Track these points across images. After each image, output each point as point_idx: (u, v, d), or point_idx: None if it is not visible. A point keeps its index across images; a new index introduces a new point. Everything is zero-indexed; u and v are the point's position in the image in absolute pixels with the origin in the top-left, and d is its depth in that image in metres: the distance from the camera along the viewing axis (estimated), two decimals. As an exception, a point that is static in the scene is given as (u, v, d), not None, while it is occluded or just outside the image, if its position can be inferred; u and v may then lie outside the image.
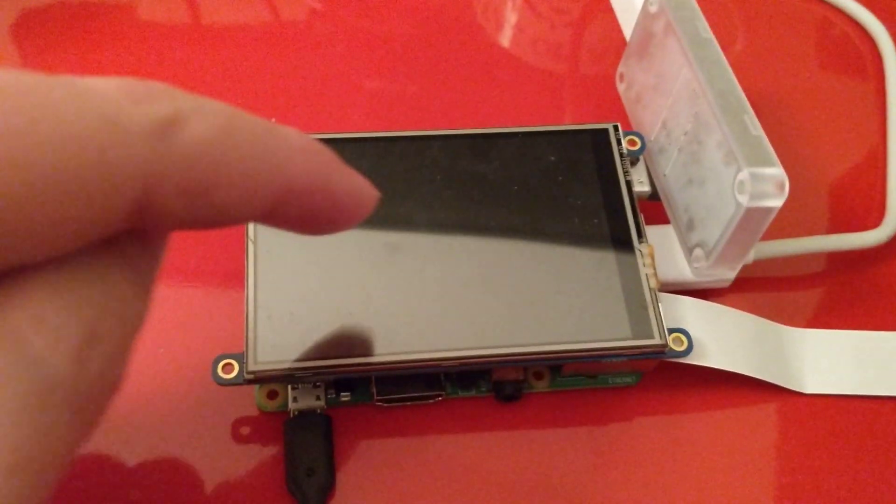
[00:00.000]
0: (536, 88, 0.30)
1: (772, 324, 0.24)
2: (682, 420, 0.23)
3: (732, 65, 0.23)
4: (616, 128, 0.24)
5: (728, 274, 0.24)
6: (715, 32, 0.23)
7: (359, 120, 0.28)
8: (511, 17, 0.32)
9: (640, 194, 0.25)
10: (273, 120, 0.27)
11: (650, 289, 0.22)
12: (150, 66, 0.29)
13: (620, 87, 0.27)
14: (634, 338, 0.21)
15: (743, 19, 0.32)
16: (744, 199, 0.20)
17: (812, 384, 0.24)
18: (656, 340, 0.21)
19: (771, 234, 0.26)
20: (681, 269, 0.24)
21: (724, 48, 0.23)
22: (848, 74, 0.31)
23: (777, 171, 0.20)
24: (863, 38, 0.32)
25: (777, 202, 0.20)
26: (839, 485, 0.23)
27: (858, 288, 0.26)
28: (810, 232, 0.27)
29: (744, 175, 0.20)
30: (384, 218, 0.22)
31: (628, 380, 0.23)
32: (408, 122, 0.28)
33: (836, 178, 0.28)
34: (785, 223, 0.27)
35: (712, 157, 0.22)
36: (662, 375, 0.24)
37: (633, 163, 0.25)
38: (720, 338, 0.23)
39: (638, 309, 0.21)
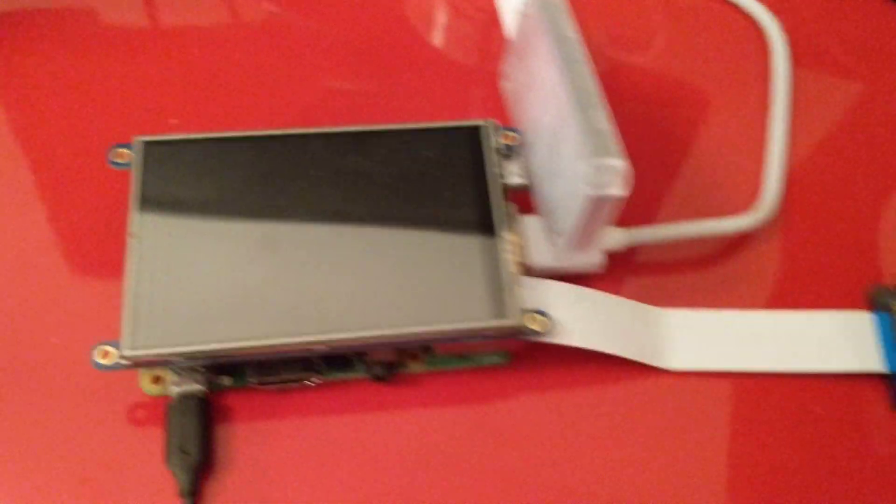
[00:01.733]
0: (453, 85, 0.31)
1: (639, 305, 0.26)
2: (551, 398, 0.25)
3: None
4: (491, 124, 0.26)
5: (592, 259, 0.25)
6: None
7: (315, 116, 0.29)
8: (440, 17, 0.33)
9: (517, 186, 0.26)
10: (175, 121, 0.29)
11: (509, 273, 0.23)
12: (112, 70, 0.30)
13: (505, 85, 0.29)
14: (491, 319, 0.23)
15: (665, 19, 0.33)
16: (588, 189, 0.22)
17: (677, 361, 0.25)
18: (512, 321, 0.23)
19: (653, 220, 0.27)
20: (550, 255, 0.25)
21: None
22: (747, 69, 0.32)
23: (619, 163, 0.22)
24: (758, 34, 0.33)
25: (619, 191, 0.22)
26: (703, 455, 0.24)
27: (732, 270, 0.28)
28: (697, 217, 0.28)
29: (588, 166, 0.22)
30: (262, 210, 0.24)
31: (497, 359, 0.25)
32: (327, 118, 0.29)
33: (723, 165, 0.30)
34: (672, 209, 0.28)
35: (568, 150, 0.23)
36: (534, 355, 0.25)
37: (511, 157, 0.26)
38: (584, 319, 0.24)
39: (497, 292, 0.23)
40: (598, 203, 0.22)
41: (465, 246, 0.24)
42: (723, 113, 0.31)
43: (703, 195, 0.29)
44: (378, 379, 0.24)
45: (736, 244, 0.28)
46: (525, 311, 0.23)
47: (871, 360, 0.26)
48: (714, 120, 0.31)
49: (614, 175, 0.22)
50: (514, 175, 0.26)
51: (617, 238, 0.26)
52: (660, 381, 0.25)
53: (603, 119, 0.22)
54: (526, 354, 0.25)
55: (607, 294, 0.25)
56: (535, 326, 0.23)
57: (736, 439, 0.25)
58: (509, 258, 0.23)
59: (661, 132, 0.30)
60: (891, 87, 0.32)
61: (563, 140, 0.23)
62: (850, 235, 0.28)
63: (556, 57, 0.24)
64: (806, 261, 0.28)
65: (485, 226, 0.24)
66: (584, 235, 0.23)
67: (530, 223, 0.25)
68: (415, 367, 0.25)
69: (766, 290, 0.27)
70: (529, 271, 0.25)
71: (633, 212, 0.27)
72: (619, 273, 0.27)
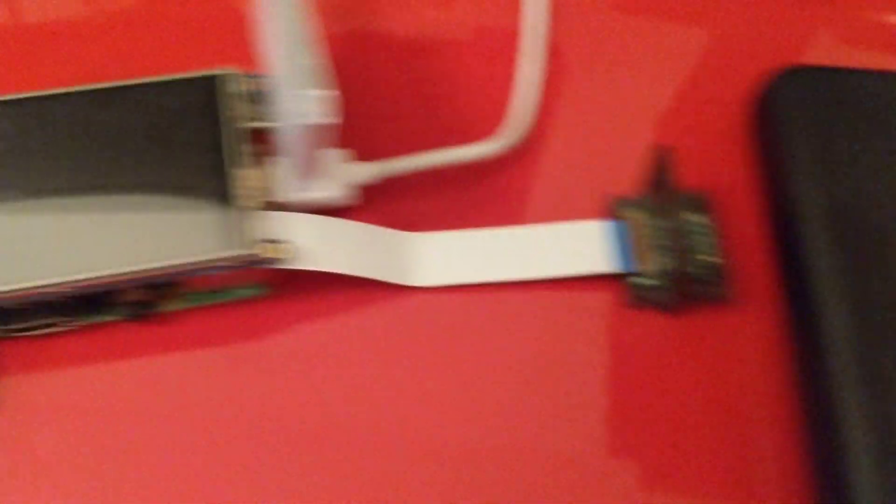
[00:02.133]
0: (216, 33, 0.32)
1: (387, 230, 0.27)
2: (312, 326, 0.27)
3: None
4: (230, 72, 0.27)
5: (337, 192, 0.27)
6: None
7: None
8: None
9: (263, 128, 0.27)
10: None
11: (243, 207, 0.25)
12: None
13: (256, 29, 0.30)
14: (224, 249, 0.24)
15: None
16: (298, 118, 0.23)
17: (427, 278, 0.27)
18: (244, 250, 0.24)
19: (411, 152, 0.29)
20: (295, 190, 0.27)
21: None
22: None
23: (321, 93, 0.23)
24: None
25: (324, 118, 0.23)
26: (459, 364, 0.26)
27: (485, 194, 0.29)
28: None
29: (296, 96, 0.23)
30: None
31: (254, 291, 0.26)
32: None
33: (480, 97, 0.31)
34: (429, 141, 0.29)
35: (283, 84, 0.24)
36: (294, 285, 0.27)
37: (259, 101, 0.27)
38: (328, 245, 0.26)
39: (230, 225, 0.24)
40: (308, 131, 0.23)
41: (201, 186, 0.25)
42: (477, 46, 0.32)
43: (460, 125, 0.31)
44: (131, 319, 0.25)
45: (488, 169, 0.30)
46: (261, 241, 0.25)
47: (606, 263, 0.28)
48: (469, 53, 0.32)
49: (318, 104, 0.23)
50: (257, 119, 0.27)
51: (368, 171, 0.28)
52: (413, 298, 0.27)
53: (307, 52, 0.24)
54: (286, 285, 0.27)
55: (353, 222, 0.27)
56: (272, 254, 0.25)
57: (486, 345, 0.27)
58: (244, 193, 0.25)
59: (417, 68, 0.32)
60: (639, 10, 0.34)
61: (279, 75, 0.25)
62: (596, 155, 0.30)
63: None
64: (555, 180, 0.30)
65: (218, 167, 0.25)
66: (306, 164, 0.25)
67: (280, 163, 0.27)
68: (169, 306, 0.26)
69: (518, 210, 0.29)
70: (282, 207, 0.26)
71: (390, 146, 0.29)
72: (378, 204, 0.29)
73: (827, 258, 0.26)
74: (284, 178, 0.26)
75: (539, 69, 0.31)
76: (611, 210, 0.29)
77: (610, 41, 0.33)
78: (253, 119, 0.27)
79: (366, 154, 0.29)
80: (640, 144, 0.30)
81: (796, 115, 0.28)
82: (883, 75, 0.29)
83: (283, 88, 0.24)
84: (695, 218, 0.28)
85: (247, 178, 0.25)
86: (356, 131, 0.30)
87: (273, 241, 0.25)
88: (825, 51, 0.33)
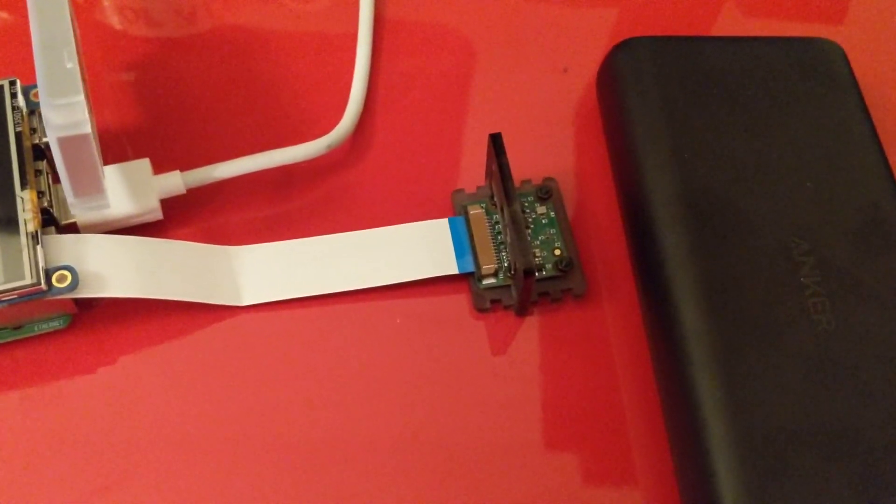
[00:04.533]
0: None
1: (199, 245, 0.25)
2: (116, 355, 0.24)
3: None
4: (7, 83, 0.24)
5: (133, 207, 0.24)
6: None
7: None
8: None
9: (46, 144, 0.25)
10: None
11: (27, 233, 0.22)
12: None
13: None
14: (7, 281, 0.22)
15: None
16: (52, 132, 0.21)
17: (251, 296, 0.25)
18: (29, 280, 0.22)
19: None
20: (83, 210, 0.24)
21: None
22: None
23: (77, 99, 0.20)
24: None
25: (82, 130, 0.21)
26: (287, 382, 0.24)
27: (316, 199, 0.27)
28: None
29: (46, 108, 0.20)
30: None
31: (56, 324, 0.24)
32: None
33: (311, 99, 0.29)
34: (257, 146, 0.27)
35: (42, 94, 0.22)
36: (98, 315, 0.24)
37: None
38: (128, 267, 0.24)
39: (14, 253, 0.22)
40: (68, 144, 0.21)
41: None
42: (304, 46, 0.30)
43: (290, 129, 0.28)
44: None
45: (319, 172, 0.28)
46: (47, 269, 0.22)
47: (447, 263, 0.26)
48: (303, 55, 0.30)
49: (71, 114, 0.21)
50: (40, 133, 0.24)
51: (173, 181, 0.25)
52: (236, 319, 0.25)
53: (62, 60, 0.21)
54: (89, 315, 0.24)
55: (157, 239, 0.24)
56: (57, 283, 0.22)
57: (322, 362, 0.24)
58: (28, 217, 0.22)
59: (245, 71, 0.29)
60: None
61: (39, 83, 0.22)
62: (434, 151, 0.28)
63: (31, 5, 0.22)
64: (394, 180, 0.28)
65: (4, 188, 0.23)
66: (76, 180, 0.22)
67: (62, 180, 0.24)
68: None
69: (357, 214, 0.27)
70: (82, 230, 0.24)
71: (212, 153, 0.27)
72: (200, 217, 0.26)
73: (672, 236, 0.24)
74: (68, 198, 0.24)
75: (367, 65, 0.29)
76: (453, 208, 0.27)
77: (448, 32, 0.31)
78: (35, 133, 0.24)
79: (185, 163, 0.26)
80: (484, 137, 0.28)
81: (633, 85, 0.27)
82: (719, 41, 0.28)
83: (42, 97, 0.21)
84: (539, 209, 0.26)
85: (33, 199, 0.23)
86: (169, 139, 0.28)
87: (62, 269, 0.22)
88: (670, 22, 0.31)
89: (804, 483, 0.21)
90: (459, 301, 0.26)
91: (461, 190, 0.27)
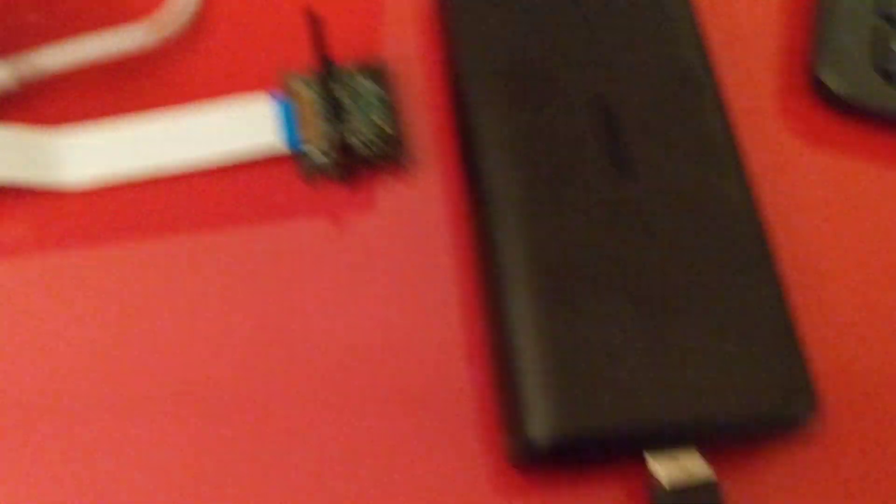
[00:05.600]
0: None
1: (19, 127, 0.26)
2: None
3: None
4: None
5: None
6: None
7: None
8: None
9: None
10: None
11: None
12: None
13: None
14: None
15: None
16: None
17: (74, 176, 0.26)
18: None
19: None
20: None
21: None
22: None
23: None
24: None
25: None
26: (132, 266, 0.26)
27: (145, 82, 0.28)
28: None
29: None
30: None
31: None
32: None
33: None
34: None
35: None
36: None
37: None
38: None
39: None
40: None
41: None
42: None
43: (117, 11, 0.29)
44: None
45: (151, 55, 0.29)
46: None
47: (274, 139, 0.27)
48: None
49: None
50: None
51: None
52: (63, 201, 0.26)
53: None
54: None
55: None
56: None
57: (159, 240, 0.26)
58: None
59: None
60: None
61: None
62: (267, 31, 0.29)
63: None
64: (223, 60, 0.29)
65: None
66: None
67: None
68: None
69: (187, 94, 0.28)
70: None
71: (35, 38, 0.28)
72: (25, 102, 0.27)
73: (484, 101, 0.26)
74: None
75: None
76: (279, 85, 0.28)
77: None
78: None
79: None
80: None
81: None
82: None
83: None
84: (367, 86, 0.28)
85: None
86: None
87: None
88: None
89: (590, 302, 0.23)
90: (289, 177, 0.27)
91: (292, 70, 0.28)
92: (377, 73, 0.28)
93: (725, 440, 0.23)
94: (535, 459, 0.22)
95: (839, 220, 0.27)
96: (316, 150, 0.27)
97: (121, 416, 0.24)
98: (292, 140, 0.27)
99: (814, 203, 0.28)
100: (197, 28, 0.29)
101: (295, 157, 0.27)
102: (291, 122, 0.27)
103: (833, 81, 0.29)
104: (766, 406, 0.23)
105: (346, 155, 0.27)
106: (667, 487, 0.22)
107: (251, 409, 0.24)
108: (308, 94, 0.28)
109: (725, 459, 0.24)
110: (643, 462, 0.23)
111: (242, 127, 0.27)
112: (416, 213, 0.27)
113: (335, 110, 0.27)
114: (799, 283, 0.26)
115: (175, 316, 0.25)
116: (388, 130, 0.27)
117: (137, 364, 0.24)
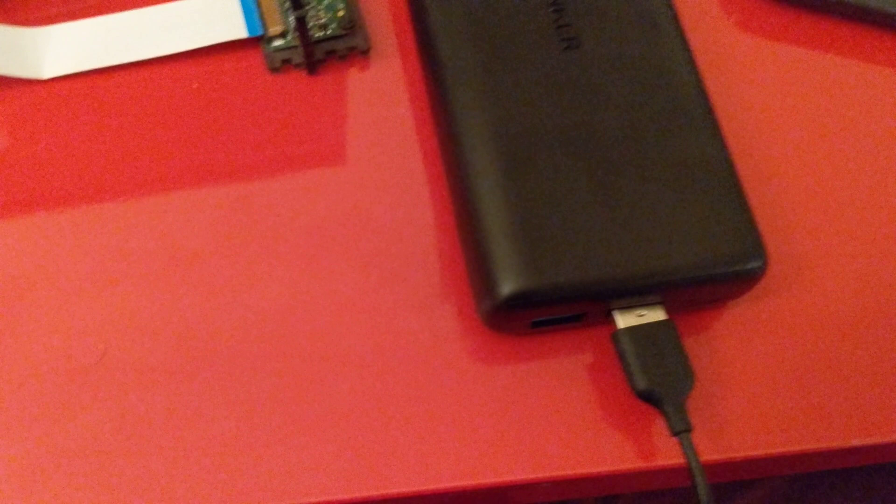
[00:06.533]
0: None
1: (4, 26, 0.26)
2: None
3: None
4: None
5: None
6: None
7: None
8: None
9: None
10: None
11: None
12: None
13: None
14: None
15: None
16: None
17: (49, 69, 0.27)
18: None
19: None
20: None
21: None
22: None
23: None
24: None
25: None
26: (109, 150, 0.26)
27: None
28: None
29: None
30: None
31: None
32: None
33: None
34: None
35: None
36: None
37: None
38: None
39: None
40: None
41: None
42: None
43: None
44: None
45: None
46: None
47: (236, 29, 0.27)
48: None
49: None
50: None
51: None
52: (38, 91, 0.26)
53: None
54: None
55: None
56: None
57: (133, 124, 0.26)
58: None
59: None
60: None
61: None
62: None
63: None
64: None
65: None
66: None
67: None
68: None
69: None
70: None
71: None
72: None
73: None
74: None
75: None
76: (241, -21, 0.28)
77: None
78: None
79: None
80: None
81: None
82: None
83: None
84: (324, -25, 0.28)
85: None
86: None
87: None
88: None
89: (549, 172, 0.24)
90: (253, 64, 0.28)
91: (251, -37, 0.29)
92: (333, -37, 0.28)
93: (684, 295, 0.24)
94: (504, 314, 0.23)
95: (776, 98, 0.28)
96: (276, 34, 0.27)
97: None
98: (252, 27, 0.27)
99: (751, 86, 0.29)
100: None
101: (259, 43, 0.28)
102: (252, 10, 0.27)
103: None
104: (722, 260, 0.23)
105: (306, 41, 0.27)
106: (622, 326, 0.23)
107: (222, 277, 0.25)
108: (267, -18, 0.28)
109: (686, 319, 0.25)
110: (610, 319, 0.24)
111: (206, 18, 0.28)
112: (378, 96, 0.28)
113: (294, -2, 0.27)
114: (740, 153, 0.27)
115: (144, 196, 0.25)
116: (346, 15, 0.28)
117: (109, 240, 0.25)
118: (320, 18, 0.27)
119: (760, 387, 0.24)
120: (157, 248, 0.25)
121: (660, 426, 0.23)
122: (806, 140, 0.27)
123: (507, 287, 0.23)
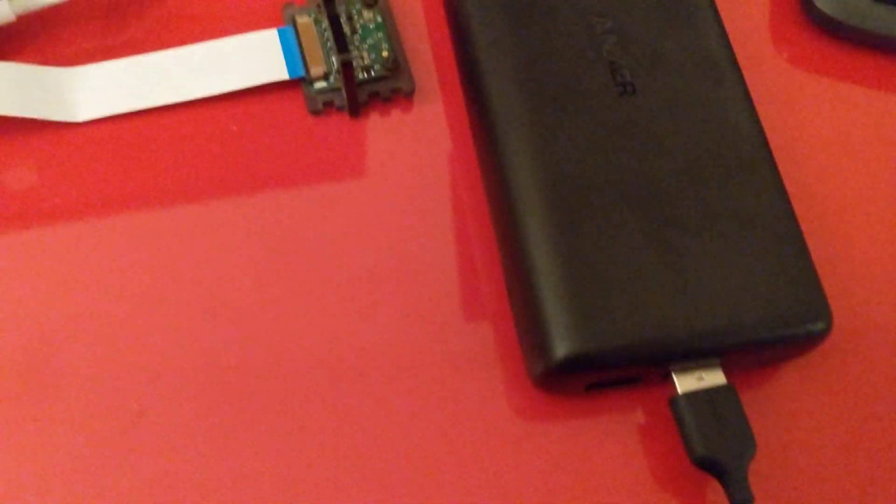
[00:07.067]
0: None
1: (31, 66, 0.26)
2: None
3: None
4: None
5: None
6: None
7: None
8: None
9: None
10: None
11: None
12: None
13: None
14: None
15: None
16: None
17: (84, 112, 0.26)
18: None
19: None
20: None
21: None
22: None
23: None
24: None
25: None
26: (142, 194, 0.25)
27: (137, 20, 0.28)
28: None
29: None
30: None
31: None
32: None
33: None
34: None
35: None
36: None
37: None
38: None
39: None
40: None
41: None
42: None
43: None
44: None
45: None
46: None
47: (278, 71, 0.27)
48: None
49: None
50: None
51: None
52: (73, 133, 0.26)
53: None
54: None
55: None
56: None
57: (163, 171, 0.25)
58: None
59: None
60: None
61: None
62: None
63: None
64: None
65: None
66: None
67: None
68: None
69: (187, 31, 0.28)
70: None
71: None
72: (24, 45, 0.27)
73: (483, 27, 0.25)
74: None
75: None
76: (284, 17, 0.28)
77: None
78: None
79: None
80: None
81: None
82: None
83: None
84: (367, 15, 0.27)
85: None
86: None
87: None
88: None
89: (604, 225, 0.23)
90: (293, 106, 0.27)
91: (291, 3, 0.28)
92: (376, 2, 0.28)
93: (744, 357, 0.23)
94: (559, 377, 0.22)
95: (834, 142, 0.27)
96: (318, 76, 0.26)
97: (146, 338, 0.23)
98: (294, 69, 0.26)
99: (809, 127, 0.27)
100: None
101: (300, 85, 0.27)
102: (293, 51, 0.27)
103: (825, 3, 0.29)
104: (785, 321, 0.22)
105: (350, 86, 0.26)
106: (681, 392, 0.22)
107: (265, 324, 0.24)
108: (309, 24, 0.27)
109: (744, 380, 0.24)
110: (667, 380, 0.23)
111: (247, 59, 0.27)
112: (421, 140, 0.27)
113: (337, 39, 0.26)
114: (800, 203, 0.26)
115: (182, 240, 0.25)
116: (391, 55, 0.27)
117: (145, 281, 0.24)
118: (364, 60, 0.27)
119: (826, 453, 0.23)
120: (196, 296, 0.24)
121: (719, 495, 0.22)
122: (869, 186, 0.26)
123: (561, 350, 0.22)
